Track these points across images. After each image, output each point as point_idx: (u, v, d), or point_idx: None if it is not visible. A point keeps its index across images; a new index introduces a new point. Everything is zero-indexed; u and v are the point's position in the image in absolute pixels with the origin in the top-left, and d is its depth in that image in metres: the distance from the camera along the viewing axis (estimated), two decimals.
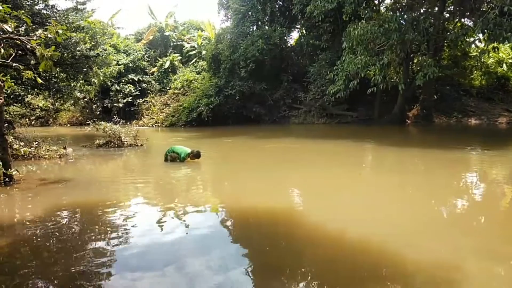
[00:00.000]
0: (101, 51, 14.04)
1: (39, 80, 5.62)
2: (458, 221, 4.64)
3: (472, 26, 16.88)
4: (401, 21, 15.47)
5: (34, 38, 5.25)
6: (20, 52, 8.77)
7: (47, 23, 9.99)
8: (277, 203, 5.43)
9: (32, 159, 9.45)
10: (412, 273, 3.16)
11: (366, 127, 19.80)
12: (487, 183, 6.85)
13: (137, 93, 29.44)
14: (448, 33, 18.19)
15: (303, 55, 25.24)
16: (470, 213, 5.00)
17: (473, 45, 21.77)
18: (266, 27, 24.93)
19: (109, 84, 27.33)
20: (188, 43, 33.37)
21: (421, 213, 4.90)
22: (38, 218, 4.73)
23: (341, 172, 8.22)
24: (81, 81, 14.83)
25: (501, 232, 4.18)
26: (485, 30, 14.00)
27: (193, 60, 32.14)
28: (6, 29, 5.09)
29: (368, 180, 7.63)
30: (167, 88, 30.60)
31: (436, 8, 17.73)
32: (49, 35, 5.22)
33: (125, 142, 12.33)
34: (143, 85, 30.29)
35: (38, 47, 5.02)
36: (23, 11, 5.62)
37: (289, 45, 26.54)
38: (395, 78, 17.23)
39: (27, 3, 10.83)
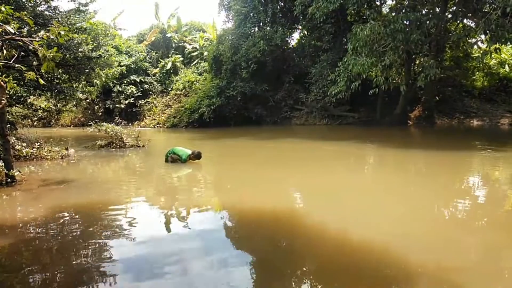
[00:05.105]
0: (103, 52, 14.07)
1: (41, 81, 5.64)
2: (462, 223, 4.63)
3: (474, 27, 16.85)
4: (406, 22, 15.47)
5: (37, 39, 5.27)
6: (22, 53, 8.84)
7: (50, 25, 10.01)
8: (278, 204, 5.42)
9: (34, 160, 9.49)
10: (415, 274, 3.14)
11: (367, 128, 19.76)
12: (490, 185, 6.82)
13: (139, 94, 29.54)
14: (450, 34, 18.18)
15: (305, 56, 25.24)
16: (473, 215, 4.98)
17: (475, 46, 21.71)
18: (268, 28, 24.94)
19: (111, 85, 27.45)
20: (190, 44, 33.46)
21: (424, 214, 4.88)
22: (39, 218, 4.75)
23: (343, 173, 8.21)
24: (83, 82, 14.88)
25: (505, 234, 4.16)
26: (487, 31, 13.96)
27: (195, 61, 32.22)
28: (9, 30, 5.11)
29: (371, 181, 7.63)
30: (169, 89, 30.69)
31: (438, 9, 17.70)
32: (51, 36, 5.23)
33: (127, 143, 12.36)
34: (145, 86, 30.39)
35: (40, 48, 5.03)
36: (25, 13, 5.63)
37: (290, 46, 26.57)
38: (397, 79, 17.20)
39: (30, 4, 10.86)
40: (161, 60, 32.56)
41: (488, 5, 15.05)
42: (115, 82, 27.77)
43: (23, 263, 3.49)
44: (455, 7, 18.53)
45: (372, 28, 15.02)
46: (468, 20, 19.05)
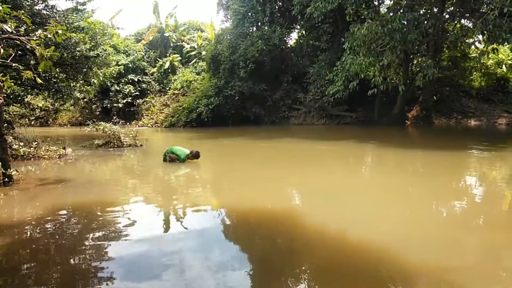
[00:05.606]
0: (101, 52, 14.03)
1: (39, 80, 5.60)
2: (462, 223, 4.63)
3: (471, 27, 16.91)
4: (403, 22, 15.52)
5: (34, 38, 5.24)
6: (19, 52, 8.78)
7: (47, 24, 9.97)
8: (277, 204, 5.42)
9: (32, 159, 9.45)
10: (414, 274, 3.15)
11: (365, 128, 19.80)
12: (488, 185, 6.84)
13: (136, 93, 29.50)
14: (448, 34, 18.24)
15: (303, 56, 25.26)
16: (473, 215, 4.99)
17: (472, 46, 21.81)
18: (266, 28, 24.95)
19: (108, 84, 27.41)
20: (188, 44, 33.41)
21: (424, 214, 4.89)
22: (37, 218, 4.72)
23: (342, 172, 8.22)
24: (81, 82, 14.83)
25: (504, 234, 4.17)
26: (485, 31, 14.00)
27: (193, 61, 32.20)
28: (6, 29, 5.08)
29: (370, 181, 7.63)
30: (167, 88, 30.67)
31: (436, 9, 17.76)
32: (49, 35, 5.21)
33: (125, 143, 12.34)
34: (143, 85, 30.34)
35: (37, 47, 5.01)
36: (23, 11, 5.60)
37: (288, 46, 26.58)
38: (395, 79, 17.25)
39: (27, 3, 10.81)
40: (159, 59, 32.50)
41: (485, 6, 15.09)
42: (113, 81, 27.72)
43: (21, 263, 3.47)
44: (452, 8, 18.60)
45: (369, 27, 15.05)
46: (465, 20, 19.14)
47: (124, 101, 28.83)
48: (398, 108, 21.03)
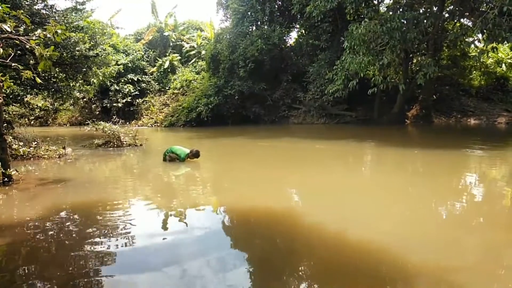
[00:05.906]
0: (100, 51, 14.00)
1: (38, 80, 5.59)
2: (462, 222, 4.63)
3: (471, 26, 16.91)
4: (403, 20, 15.52)
5: (33, 38, 5.23)
6: (19, 52, 8.77)
7: (46, 23, 9.96)
8: (277, 203, 5.42)
9: (31, 159, 9.44)
10: (415, 274, 3.15)
11: (365, 127, 19.80)
12: (488, 184, 6.84)
13: (136, 93, 29.45)
14: (447, 33, 18.23)
15: (302, 55, 25.22)
16: (473, 214, 4.99)
17: (472, 45, 21.79)
18: (265, 27, 24.91)
19: (108, 84, 27.32)
20: (187, 43, 33.37)
21: (424, 214, 4.89)
22: (37, 218, 4.72)
23: (342, 172, 8.22)
24: (80, 81, 14.81)
25: (504, 233, 4.17)
26: (484, 30, 14.01)
27: (193, 60, 32.15)
28: (5, 28, 5.07)
29: (370, 180, 7.63)
30: (167, 88, 30.64)
31: (435, 8, 17.76)
32: (48, 35, 5.20)
33: (124, 142, 12.33)
34: (143, 85, 30.28)
35: (37, 47, 5.00)
36: (22, 11, 5.60)
37: (288, 45, 26.53)
38: (394, 78, 17.25)
39: (26, 3, 10.79)
40: (158, 59, 32.45)
41: (485, 4, 15.10)
42: (113, 81, 27.65)
43: (20, 263, 3.47)
44: (452, 6, 18.60)
45: (367, 26, 15.04)
46: (465, 19, 19.12)
47: (124, 100, 28.77)
48: (397, 107, 21.01)
